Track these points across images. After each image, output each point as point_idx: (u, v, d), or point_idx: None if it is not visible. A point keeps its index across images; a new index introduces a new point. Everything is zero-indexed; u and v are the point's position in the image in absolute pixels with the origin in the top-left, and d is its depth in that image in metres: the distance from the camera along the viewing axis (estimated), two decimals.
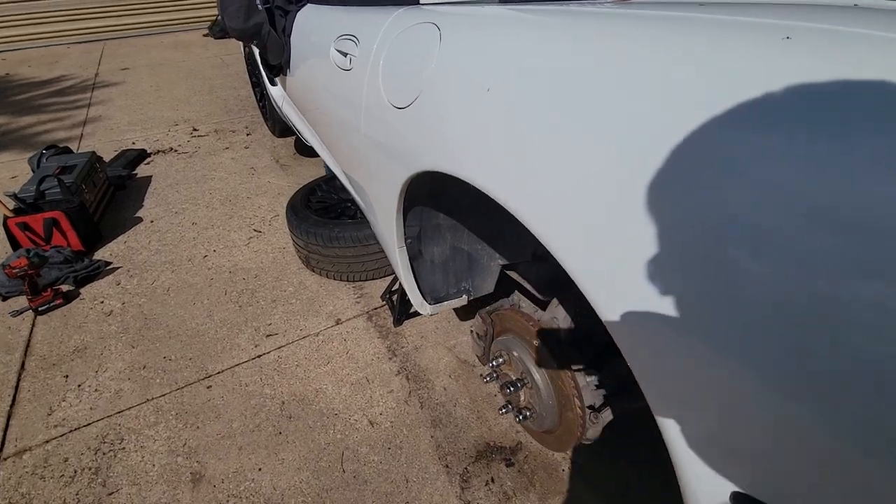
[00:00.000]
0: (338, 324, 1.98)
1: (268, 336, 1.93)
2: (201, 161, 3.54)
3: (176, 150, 3.74)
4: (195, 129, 4.14)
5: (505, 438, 1.52)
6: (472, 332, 1.31)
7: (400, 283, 1.90)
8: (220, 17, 1.66)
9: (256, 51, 2.59)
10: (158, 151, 3.72)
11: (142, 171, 3.43)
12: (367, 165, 1.18)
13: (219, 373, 1.76)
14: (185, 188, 3.15)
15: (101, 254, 2.48)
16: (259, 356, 1.83)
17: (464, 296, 1.38)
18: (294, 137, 3.84)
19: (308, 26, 1.59)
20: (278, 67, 1.87)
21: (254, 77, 3.30)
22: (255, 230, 2.66)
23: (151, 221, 2.78)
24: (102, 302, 2.14)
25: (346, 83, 1.22)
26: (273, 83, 2.55)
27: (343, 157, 1.51)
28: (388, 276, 2.20)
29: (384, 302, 2.10)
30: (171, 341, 1.91)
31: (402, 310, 1.96)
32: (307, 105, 1.76)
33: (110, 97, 5.16)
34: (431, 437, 1.52)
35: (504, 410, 1.20)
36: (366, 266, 2.13)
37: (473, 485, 1.39)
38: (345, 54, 1.24)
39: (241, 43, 3.29)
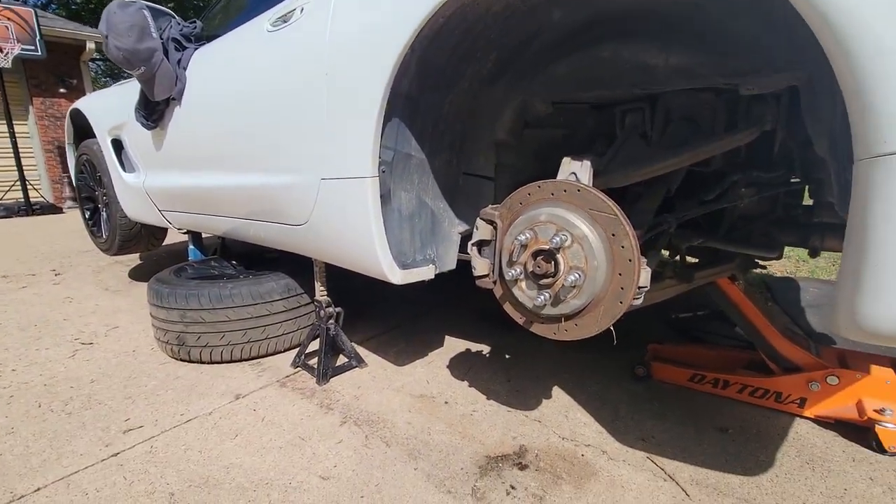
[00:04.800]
0: (238, 399, 1.47)
1: (126, 431, 1.29)
2: None
3: None
4: None
5: (503, 446, 1.22)
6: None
7: (325, 334, 1.57)
8: (104, 37, 1.49)
9: (107, 140, 2.31)
10: None
11: None
12: (329, 99, 1.08)
13: (37, 490, 1.06)
14: None
15: None
16: (116, 454, 1.19)
17: (431, 265, 1.21)
18: (125, 265, 3.28)
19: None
20: (158, 113, 1.68)
21: (85, 190, 2.81)
22: (82, 343, 1.95)
23: None
24: None
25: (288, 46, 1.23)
26: (128, 169, 2.22)
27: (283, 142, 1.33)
28: (294, 347, 1.80)
29: (297, 369, 1.67)
30: None
31: (326, 364, 1.58)
32: (208, 138, 1.59)
33: None
34: (415, 469, 1.13)
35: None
36: (267, 332, 1.72)
37: (492, 499, 1.03)
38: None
39: (70, 153, 2.87)
